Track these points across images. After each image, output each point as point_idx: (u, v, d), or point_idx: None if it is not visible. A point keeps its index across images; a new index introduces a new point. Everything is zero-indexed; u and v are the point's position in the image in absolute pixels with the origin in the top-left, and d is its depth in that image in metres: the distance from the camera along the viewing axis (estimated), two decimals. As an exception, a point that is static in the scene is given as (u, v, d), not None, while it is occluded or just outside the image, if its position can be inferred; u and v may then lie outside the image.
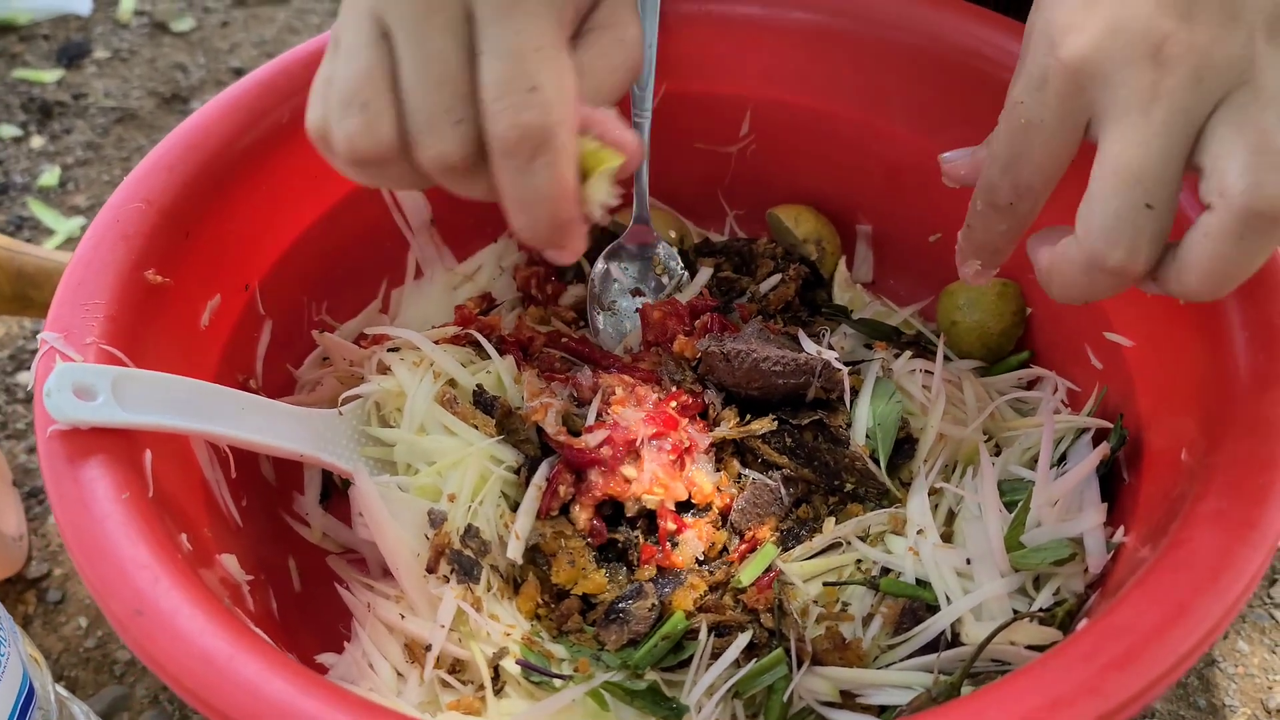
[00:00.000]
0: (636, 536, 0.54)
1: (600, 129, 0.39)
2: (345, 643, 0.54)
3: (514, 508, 0.54)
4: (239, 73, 1.22)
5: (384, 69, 0.39)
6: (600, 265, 0.65)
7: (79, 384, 0.43)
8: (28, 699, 0.53)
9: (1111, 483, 0.53)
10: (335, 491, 0.63)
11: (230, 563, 0.49)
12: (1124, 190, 0.37)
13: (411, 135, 0.39)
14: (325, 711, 0.35)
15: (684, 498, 0.54)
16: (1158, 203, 0.37)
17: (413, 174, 0.40)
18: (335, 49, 0.41)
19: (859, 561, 0.55)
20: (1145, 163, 0.37)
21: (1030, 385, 0.63)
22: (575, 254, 0.41)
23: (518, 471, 0.55)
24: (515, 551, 0.52)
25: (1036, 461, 0.54)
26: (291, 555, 0.59)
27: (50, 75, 1.23)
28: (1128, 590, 0.39)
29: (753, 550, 0.54)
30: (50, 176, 1.12)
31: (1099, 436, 0.55)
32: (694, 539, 0.54)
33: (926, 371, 0.60)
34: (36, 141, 1.16)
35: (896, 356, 0.61)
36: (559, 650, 0.51)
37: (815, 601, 0.53)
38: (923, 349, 0.62)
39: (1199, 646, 0.37)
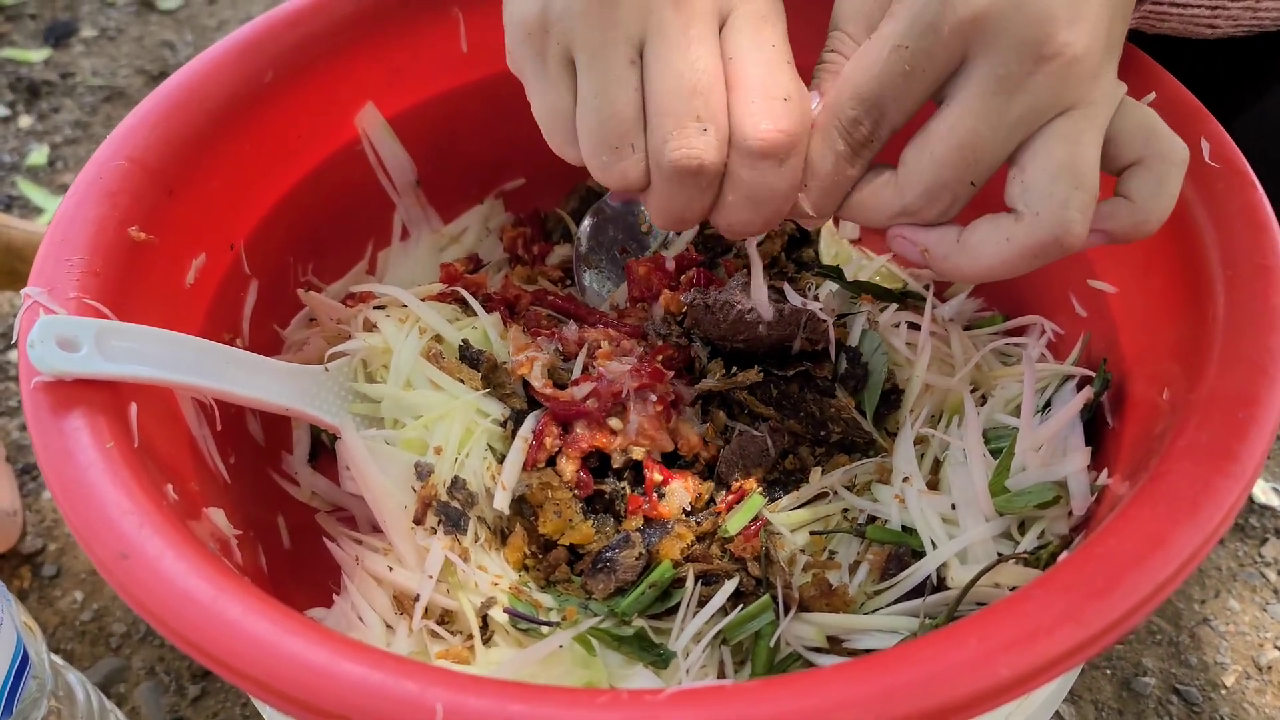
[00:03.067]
0: (623, 488, 0.54)
1: None
2: (335, 597, 0.54)
3: (501, 460, 0.55)
4: (226, 49, 1.21)
5: (637, 102, 0.40)
6: (586, 224, 0.65)
7: (62, 336, 0.43)
8: (22, 666, 0.54)
9: (1096, 427, 0.53)
10: (324, 451, 0.63)
11: (218, 517, 0.49)
12: (959, 163, 0.39)
13: (654, 145, 0.40)
14: (308, 649, 0.36)
15: (670, 449, 0.55)
16: (979, 182, 0.39)
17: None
18: (584, 74, 0.41)
19: (845, 511, 0.55)
20: (988, 146, 0.38)
21: (1020, 335, 0.63)
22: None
23: (504, 424, 0.55)
24: (502, 502, 0.52)
25: (1021, 409, 0.54)
26: (280, 513, 0.59)
27: (37, 54, 1.23)
28: (1108, 523, 0.39)
29: (739, 501, 0.54)
30: (39, 155, 1.12)
31: (1084, 384, 0.55)
32: (680, 490, 0.54)
33: (912, 325, 0.60)
34: (25, 121, 1.16)
35: (882, 310, 0.61)
36: (547, 600, 0.51)
37: (802, 550, 0.53)
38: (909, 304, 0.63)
39: (1177, 575, 0.37)
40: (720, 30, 0.41)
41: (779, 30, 0.41)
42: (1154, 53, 0.52)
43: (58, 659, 0.63)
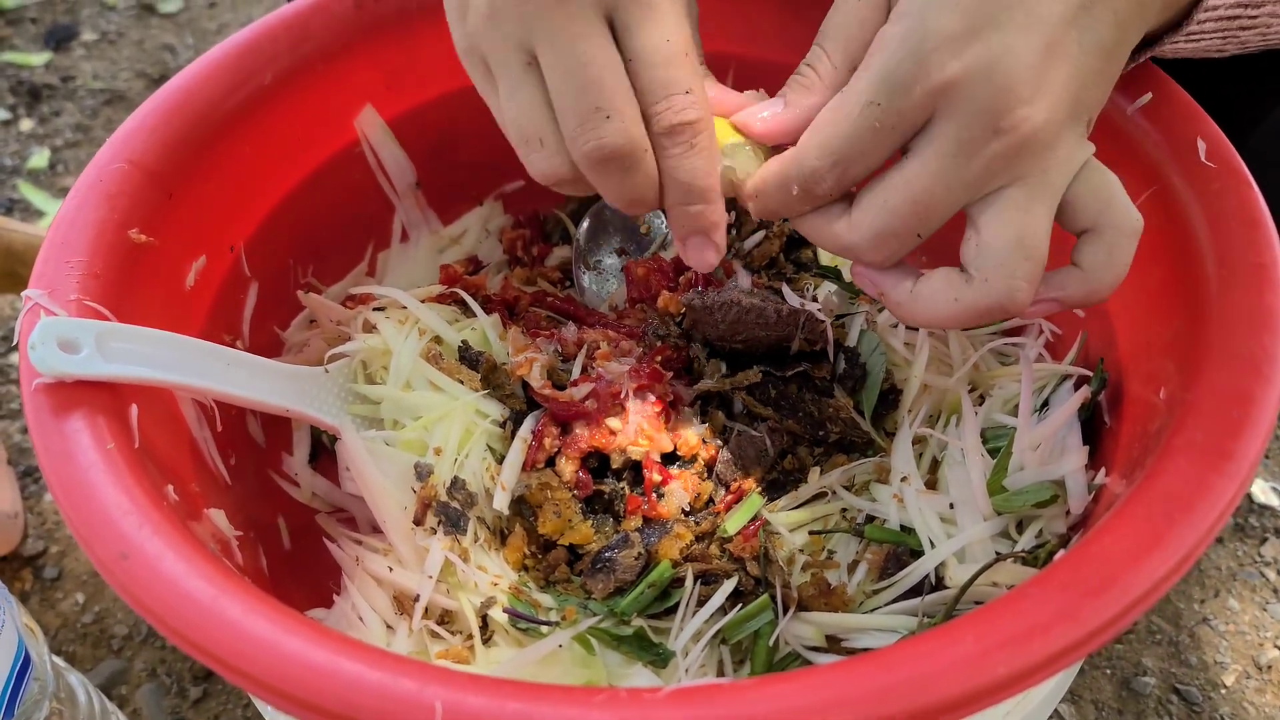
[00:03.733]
0: (622, 488, 0.55)
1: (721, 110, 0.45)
2: (335, 597, 0.54)
3: (500, 461, 0.55)
4: (227, 52, 1.22)
5: (540, 99, 0.43)
6: (585, 225, 0.65)
7: (63, 338, 0.44)
8: (23, 668, 0.54)
9: (1094, 427, 0.53)
10: (324, 453, 0.63)
11: (219, 517, 0.50)
12: (910, 215, 0.40)
13: (569, 140, 0.42)
14: (308, 648, 0.36)
15: (669, 449, 0.55)
16: (926, 234, 0.41)
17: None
18: (497, 80, 0.44)
19: (844, 510, 0.55)
20: (939, 202, 0.40)
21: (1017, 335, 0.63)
22: (719, 250, 0.46)
23: (503, 425, 0.56)
24: (501, 503, 0.53)
25: (1019, 408, 0.54)
26: (281, 514, 0.59)
27: (38, 58, 1.24)
28: (1105, 521, 0.39)
29: (738, 501, 0.55)
30: (40, 159, 1.12)
31: (1082, 384, 0.55)
32: (680, 490, 0.54)
33: (910, 326, 0.60)
34: (25, 124, 1.16)
35: (880, 311, 0.61)
36: (546, 600, 0.51)
37: (801, 550, 0.54)
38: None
39: (1173, 573, 0.37)
40: (612, 27, 0.42)
41: (673, 21, 0.43)
42: (1163, 67, 0.52)
43: (59, 661, 0.63)
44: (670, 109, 0.42)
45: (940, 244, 0.45)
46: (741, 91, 0.46)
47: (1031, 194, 0.40)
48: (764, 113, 0.44)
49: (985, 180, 0.39)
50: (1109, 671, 0.75)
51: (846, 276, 0.63)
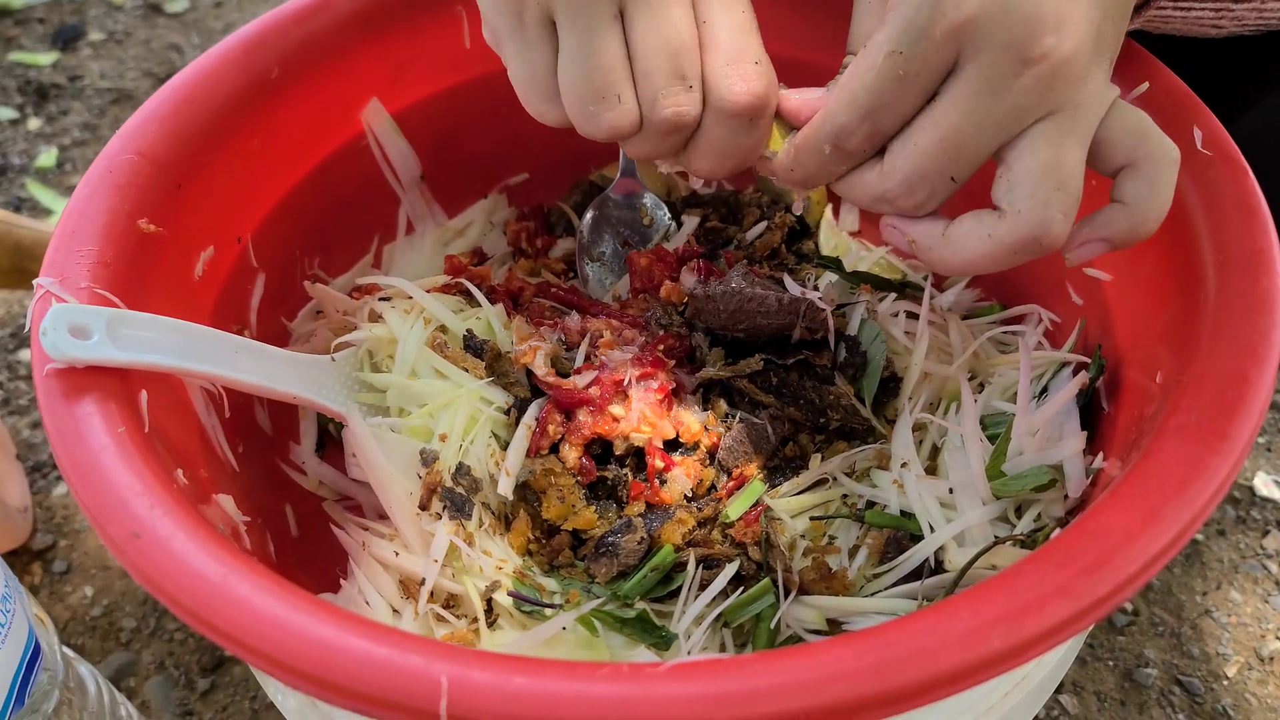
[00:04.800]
0: (625, 474, 0.55)
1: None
2: (342, 582, 0.55)
3: (504, 447, 0.55)
4: (233, 51, 1.23)
5: (623, 55, 0.42)
6: (588, 217, 0.65)
7: (74, 324, 0.44)
8: (34, 657, 0.54)
9: (1092, 412, 0.54)
10: (331, 442, 0.64)
11: (227, 503, 0.50)
12: (941, 157, 0.40)
13: (646, 101, 0.43)
14: (316, 625, 0.36)
15: (672, 436, 0.55)
16: (960, 178, 0.41)
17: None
18: (568, 32, 0.42)
19: (845, 496, 0.56)
20: (972, 143, 0.39)
21: (1017, 323, 0.63)
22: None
23: (508, 412, 0.56)
24: (506, 488, 0.53)
25: (1018, 395, 0.54)
26: (288, 502, 0.60)
27: (46, 58, 1.25)
28: (1100, 500, 0.40)
29: (740, 487, 0.55)
30: (47, 158, 1.13)
31: (1080, 370, 0.56)
32: (682, 476, 0.55)
33: (910, 315, 0.61)
34: (33, 123, 1.17)
35: (881, 300, 0.61)
36: (550, 584, 0.52)
37: (802, 535, 0.54)
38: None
39: (1167, 550, 0.38)
40: None
41: (746, 1, 0.44)
42: (1161, 50, 0.53)
43: (69, 651, 0.63)
44: (741, 76, 0.42)
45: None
46: None
47: (1062, 128, 0.39)
48: (798, 96, 0.44)
49: (1017, 116, 0.39)
50: (1111, 663, 0.75)
51: (847, 267, 0.64)
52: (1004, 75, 0.38)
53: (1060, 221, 0.40)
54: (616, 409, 0.55)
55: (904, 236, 0.44)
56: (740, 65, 0.42)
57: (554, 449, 0.55)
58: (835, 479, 0.56)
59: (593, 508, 0.54)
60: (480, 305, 0.60)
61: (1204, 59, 0.55)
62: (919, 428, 0.57)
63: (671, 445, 0.56)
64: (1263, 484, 0.86)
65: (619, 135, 0.44)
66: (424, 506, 0.53)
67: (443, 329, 0.59)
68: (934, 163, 0.40)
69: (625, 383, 0.55)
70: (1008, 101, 0.38)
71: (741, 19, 0.43)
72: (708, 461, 0.56)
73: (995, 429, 0.55)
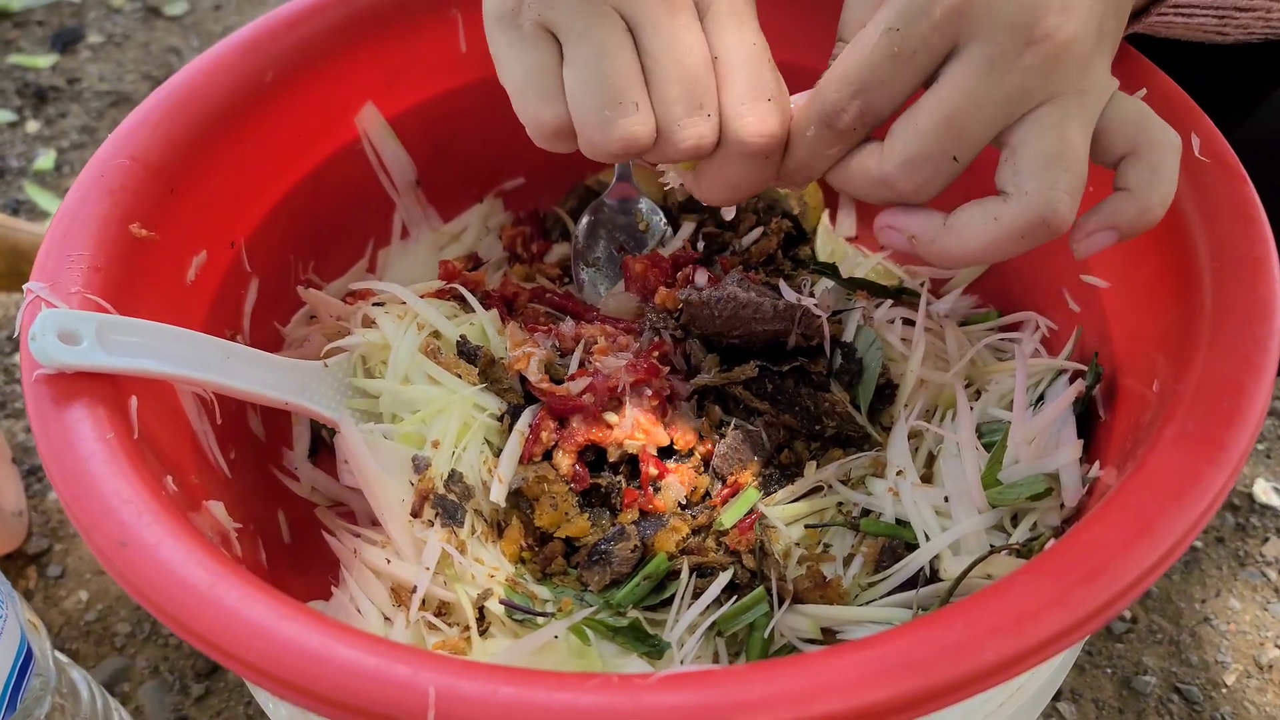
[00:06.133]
0: (619, 481, 0.55)
1: None
2: (334, 589, 0.55)
3: (497, 454, 0.55)
4: (232, 54, 1.23)
5: (638, 66, 0.41)
6: (584, 222, 0.65)
7: (63, 329, 0.44)
8: (25, 662, 0.54)
9: (1089, 421, 0.54)
10: (324, 448, 0.64)
11: (218, 509, 0.50)
12: (943, 137, 0.39)
13: (666, 125, 0.42)
14: (304, 634, 0.36)
15: (666, 443, 0.55)
16: (963, 159, 0.40)
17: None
18: (577, 42, 0.41)
19: (840, 504, 0.55)
20: (974, 123, 0.39)
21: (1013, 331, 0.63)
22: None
23: (501, 419, 0.56)
24: (498, 495, 0.53)
25: (1014, 402, 0.54)
26: (280, 508, 0.60)
27: (44, 60, 1.24)
28: (1095, 510, 0.40)
29: (735, 494, 0.55)
30: (46, 160, 1.13)
31: (1077, 378, 0.55)
32: (676, 483, 0.54)
33: (906, 321, 0.60)
34: (32, 126, 1.17)
35: (877, 306, 0.61)
36: (543, 592, 0.52)
37: (797, 543, 0.54)
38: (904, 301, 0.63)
39: (1163, 561, 0.37)
40: (701, 21, 0.42)
41: (756, 26, 0.43)
42: (1165, 54, 0.53)
43: (62, 657, 0.63)
44: (757, 115, 0.41)
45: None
46: None
47: (1067, 111, 0.39)
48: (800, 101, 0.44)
49: (1021, 96, 0.38)
50: (1109, 670, 0.75)
51: (844, 272, 0.63)
52: (1008, 54, 0.38)
53: (1067, 203, 0.39)
54: (610, 416, 0.54)
55: (902, 235, 0.43)
56: (756, 104, 0.41)
57: (547, 456, 0.55)
58: (830, 487, 0.56)
59: (586, 515, 0.54)
60: (474, 311, 0.60)
61: (1210, 64, 0.55)
62: (915, 435, 0.57)
63: (665, 452, 0.56)
64: (1262, 491, 0.86)
65: (634, 145, 0.42)
66: (416, 513, 0.52)
67: (436, 335, 0.58)
68: (937, 143, 0.39)
69: (619, 389, 0.55)
70: (1012, 80, 0.38)
71: (754, 51, 0.42)
72: (702, 469, 0.56)
73: (991, 437, 0.55)
